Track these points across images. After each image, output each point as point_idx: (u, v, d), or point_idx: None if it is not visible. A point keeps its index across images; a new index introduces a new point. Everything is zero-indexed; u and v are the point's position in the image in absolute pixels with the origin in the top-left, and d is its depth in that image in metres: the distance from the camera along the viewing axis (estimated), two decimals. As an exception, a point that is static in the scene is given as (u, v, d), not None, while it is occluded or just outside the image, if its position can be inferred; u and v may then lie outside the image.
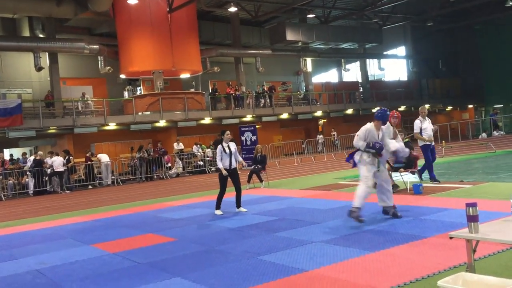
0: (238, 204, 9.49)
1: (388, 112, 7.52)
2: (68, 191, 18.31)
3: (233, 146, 9.37)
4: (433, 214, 7.48)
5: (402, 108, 34.97)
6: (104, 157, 20.41)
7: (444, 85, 38.66)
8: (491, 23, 35.84)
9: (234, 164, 9.26)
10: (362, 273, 4.77)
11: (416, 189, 9.82)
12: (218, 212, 9.41)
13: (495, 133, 29.55)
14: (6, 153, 23.64)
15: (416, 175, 10.69)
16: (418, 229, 6.46)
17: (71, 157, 19.39)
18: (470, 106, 38.99)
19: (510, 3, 29.49)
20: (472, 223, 3.08)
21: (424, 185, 10.27)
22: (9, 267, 6.43)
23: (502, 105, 37.23)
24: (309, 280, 4.71)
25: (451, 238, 3.23)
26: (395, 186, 10.23)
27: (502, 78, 34.89)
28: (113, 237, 7.99)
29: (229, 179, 9.37)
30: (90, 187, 19.69)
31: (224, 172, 9.17)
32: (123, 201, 13.62)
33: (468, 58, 38.70)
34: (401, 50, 39.25)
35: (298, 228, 7.31)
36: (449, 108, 38.46)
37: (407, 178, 10.92)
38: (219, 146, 9.35)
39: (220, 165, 9.24)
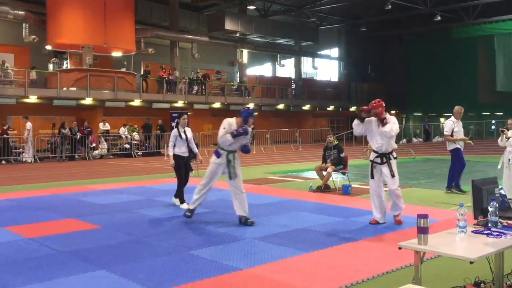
0: (179, 197, 8.55)
1: (253, 113, 7.16)
2: (-22, 165, 16.92)
3: (189, 132, 8.56)
4: (363, 216, 7.62)
5: (330, 108, 35.96)
6: (30, 126, 18.93)
7: (371, 90, 40.15)
8: (419, 35, 37.67)
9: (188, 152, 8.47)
10: (297, 275, 4.70)
11: (345, 190, 10.02)
12: (184, 205, 8.16)
13: (414, 139, 31.19)
14: None
15: (346, 176, 10.91)
16: (349, 231, 6.53)
17: (-16, 129, 17.92)
18: (393, 112, 40.83)
19: (438, 17, 31.16)
20: (422, 235, 3.06)
21: (352, 186, 10.51)
22: None
23: (420, 114, 39.43)
24: (243, 279, 4.56)
25: (400, 248, 3.19)
26: (327, 186, 10.39)
27: (423, 89, 36.85)
28: (29, 220, 7.38)
29: None
30: (3, 162, 18.31)
31: (171, 161, 8.30)
32: (40, 181, 12.75)
33: (395, 66, 40.40)
34: (334, 52, 40.24)
35: (230, 223, 7.14)
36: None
37: (336, 178, 11.12)
38: (174, 131, 8.46)
39: (170, 152, 8.40)
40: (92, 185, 11.65)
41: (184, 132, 8.51)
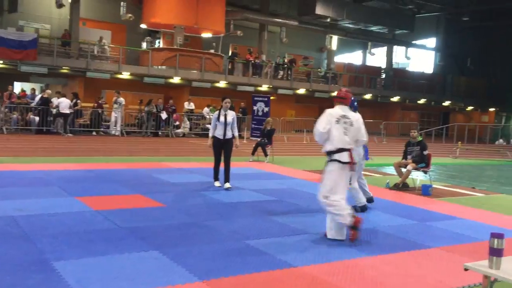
0: (225, 179, 8.69)
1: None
2: (70, 135, 17.99)
3: (231, 115, 8.63)
4: (440, 221, 7.01)
5: (421, 101, 34.09)
6: (123, 101, 19.86)
7: (469, 84, 37.48)
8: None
9: (229, 135, 8.59)
10: (356, 280, 4.34)
11: (425, 190, 9.33)
12: (216, 183, 8.80)
13: (513, 141, 28.76)
14: (17, 87, 23.37)
15: (427, 175, 10.17)
16: (422, 236, 5.99)
17: (78, 101, 18.98)
18: (492, 109, 37.91)
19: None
20: (494, 257, 2.59)
21: (434, 186, 9.77)
22: (-14, 209, 6.07)
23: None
24: (296, 278, 4.28)
25: (466, 270, 2.75)
26: (405, 185, 9.76)
27: (530, 86, 33.68)
28: (101, 192, 7.61)
29: None
30: (94, 133, 19.37)
31: (209, 142, 8.68)
32: (122, 154, 13.25)
33: (498, 59, 37.22)
34: (430, 42, 38.01)
35: (294, 214, 6.88)
36: (470, 108, 37.45)
37: (417, 176, 10.43)
38: (215, 113, 8.79)
39: (210, 133, 8.72)
40: (168, 163, 11.88)
41: (225, 115, 8.57)
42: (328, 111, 5.71)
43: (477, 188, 10.63)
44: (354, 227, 5.48)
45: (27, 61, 20.13)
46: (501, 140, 28.05)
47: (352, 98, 6.93)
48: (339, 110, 5.71)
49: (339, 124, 5.56)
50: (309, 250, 5.13)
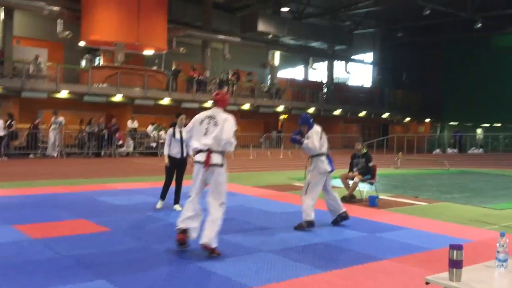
0: (176, 200, 8.37)
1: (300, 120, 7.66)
2: (5, 158, 17.05)
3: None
4: (389, 232, 7.10)
5: (362, 114, 35.13)
6: (63, 121, 19.10)
7: (405, 97, 39.09)
8: (458, 42, 36.44)
9: (185, 154, 8.26)
10: (311, 297, 4.26)
11: (372, 202, 9.48)
12: (159, 204, 8.39)
13: (449, 150, 30.12)
14: None
15: (373, 186, 10.36)
16: (373, 249, 6.03)
17: (13, 122, 18.05)
18: (427, 120, 39.66)
19: (479, 25, 30.02)
20: (454, 269, 2.59)
21: (380, 197, 9.95)
22: None
23: (456, 123, 38.10)
24: (251, 299, 4.15)
25: (427, 283, 2.73)
26: (352, 197, 9.89)
27: (461, 98, 35.56)
28: (40, 219, 7.16)
29: None
30: (31, 156, 18.46)
31: (166, 161, 8.25)
32: (63, 177, 12.64)
33: (431, 73, 39.11)
34: (368, 56, 39.38)
35: (246, 232, 6.75)
36: (407, 119, 38.98)
37: (363, 188, 10.59)
38: (169, 130, 8.34)
39: (165, 151, 8.32)
40: (112, 184, 11.45)
41: (180, 132, 8.20)
42: (197, 115, 5.78)
43: (420, 197, 10.94)
44: (178, 238, 5.49)
45: (-44, 82, 19.01)
46: (438, 150, 29.31)
47: (306, 116, 7.56)
48: (208, 112, 5.75)
49: (201, 125, 5.60)
50: (264, 269, 5.01)
